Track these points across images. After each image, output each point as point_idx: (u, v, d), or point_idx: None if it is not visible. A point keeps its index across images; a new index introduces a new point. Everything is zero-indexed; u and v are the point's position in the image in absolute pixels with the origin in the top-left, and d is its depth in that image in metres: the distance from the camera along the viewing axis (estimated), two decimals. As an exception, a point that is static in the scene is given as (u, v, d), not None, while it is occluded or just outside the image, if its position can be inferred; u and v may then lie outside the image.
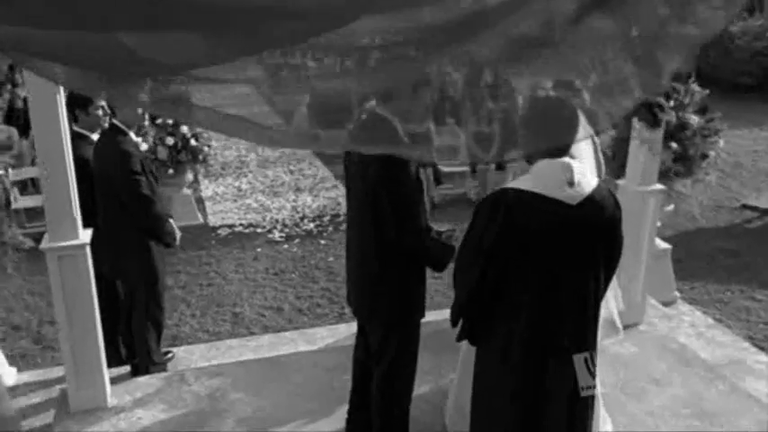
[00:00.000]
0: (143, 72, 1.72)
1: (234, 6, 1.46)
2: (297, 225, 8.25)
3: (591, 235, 2.61)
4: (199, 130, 8.13)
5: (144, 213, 4.33)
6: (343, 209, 8.07)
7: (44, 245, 3.82)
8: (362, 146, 3.23)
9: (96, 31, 1.47)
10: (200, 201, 9.00)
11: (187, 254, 7.33)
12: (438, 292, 5.98)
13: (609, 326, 3.97)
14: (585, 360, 2.67)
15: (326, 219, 8.32)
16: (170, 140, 7.81)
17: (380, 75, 2.19)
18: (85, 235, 3.90)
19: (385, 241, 3.22)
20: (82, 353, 3.99)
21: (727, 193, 9.08)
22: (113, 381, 4.36)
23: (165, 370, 4.66)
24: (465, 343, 2.99)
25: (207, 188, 9.63)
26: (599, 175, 3.96)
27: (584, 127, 3.75)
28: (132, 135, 4.44)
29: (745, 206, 8.59)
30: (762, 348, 5.22)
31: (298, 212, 8.67)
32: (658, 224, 5.69)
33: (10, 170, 7.98)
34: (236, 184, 9.90)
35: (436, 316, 4.20)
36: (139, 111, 4.41)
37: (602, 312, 3.87)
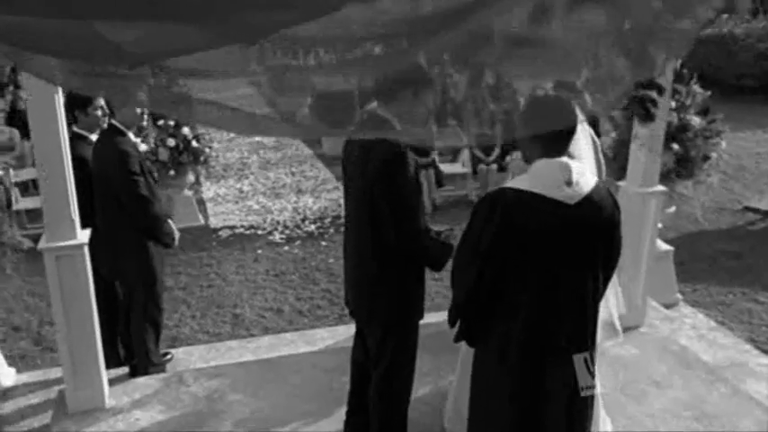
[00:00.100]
0: (119, 60, 1.71)
1: None
2: (298, 227, 8.25)
3: (589, 235, 2.59)
4: (200, 131, 8.15)
5: (142, 214, 4.32)
6: (344, 211, 8.09)
7: (42, 245, 3.81)
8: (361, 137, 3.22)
9: (72, 18, 1.46)
10: (201, 202, 9.01)
11: (188, 255, 7.33)
12: (438, 294, 5.96)
13: (609, 328, 3.95)
14: (585, 360, 2.66)
15: (327, 220, 8.32)
16: (171, 142, 7.83)
17: (376, 67, 2.18)
18: (83, 235, 3.89)
19: (383, 242, 3.20)
20: (80, 353, 3.98)
21: (729, 196, 9.05)
22: (112, 381, 4.35)
23: (163, 371, 4.65)
24: (464, 344, 2.97)
25: (208, 190, 9.64)
26: (600, 177, 3.95)
27: (581, 124, 3.75)
28: (131, 135, 4.44)
29: (747, 208, 8.57)
30: (764, 351, 5.19)
31: (299, 214, 8.67)
32: (660, 226, 5.67)
33: (11, 171, 8.01)
34: (238, 185, 9.91)
35: (436, 317, 4.18)
36: (138, 110, 4.40)
37: (602, 314, 3.86)
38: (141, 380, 4.43)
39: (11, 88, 9.66)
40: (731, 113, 7.76)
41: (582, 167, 2.69)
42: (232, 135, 12.55)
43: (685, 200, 6.16)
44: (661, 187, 4.88)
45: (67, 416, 4.04)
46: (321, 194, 9.38)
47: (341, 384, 4.01)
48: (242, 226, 8.30)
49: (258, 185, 9.92)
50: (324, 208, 8.82)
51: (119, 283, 4.66)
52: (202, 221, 8.41)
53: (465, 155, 9.40)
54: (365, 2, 1.46)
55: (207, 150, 8.17)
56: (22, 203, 7.77)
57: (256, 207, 8.99)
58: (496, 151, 9.04)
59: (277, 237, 7.95)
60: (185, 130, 7.89)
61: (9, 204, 7.77)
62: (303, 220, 8.44)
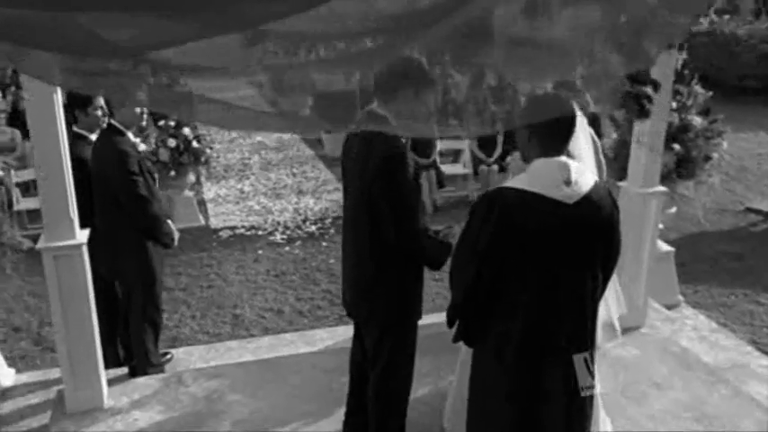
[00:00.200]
0: (102, 53, 1.70)
1: None
2: (299, 227, 8.24)
3: (588, 234, 2.58)
4: (201, 131, 8.15)
5: (141, 214, 4.32)
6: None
7: (40, 244, 3.80)
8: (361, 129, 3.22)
9: (67, 9, 1.46)
10: (201, 203, 9.01)
11: (188, 255, 7.33)
12: (439, 295, 5.95)
13: (609, 329, 3.94)
14: (585, 360, 2.64)
15: (328, 221, 8.31)
16: (172, 142, 7.82)
17: (372, 62, 2.18)
18: (82, 235, 3.89)
19: (381, 241, 3.19)
20: (78, 353, 3.97)
21: (731, 197, 9.03)
22: (111, 382, 4.34)
23: (162, 371, 4.64)
24: (464, 345, 2.96)
25: (209, 190, 9.64)
26: (600, 177, 3.94)
27: (581, 124, 3.74)
28: (130, 135, 4.43)
29: (749, 209, 8.55)
30: (765, 352, 5.17)
31: (300, 215, 8.67)
32: (661, 227, 5.65)
33: (13, 172, 8.01)
34: (239, 186, 9.90)
35: (437, 318, 4.16)
36: (138, 110, 4.40)
37: (602, 315, 3.85)
38: (140, 380, 4.42)
39: (12, 89, 9.66)
40: (733, 114, 7.76)
41: (581, 167, 2.68)
42: (233, 136, 12.56)
43: (687, 201, 6.15)
44: (662, 188, 4.86)
45: (66, 416, 4.04)
46: (322, 195, 9.37)
47: (340, 385, 4.00)
48: (243, 226, 8.30)
49: (259, 186, 9.91)
50: (325, 209, 8.81)
51: (118, 284, 4.65)
52: (203, 222, 8.40)
53: (466, 156, 9.40)
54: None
55: (208, 151, 8.17)
56: (24, 204, 7.77)
57: (257, 208, 8.99)
58: (497, 152, 9.03)
59: (278, 237, 7.94)
60: (186, 130, 7.89)
61: (10, 205, 7.78)
62: (304, 221, 8.43)
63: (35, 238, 4.51)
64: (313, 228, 8.20)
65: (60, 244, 3.78)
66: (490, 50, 2.02)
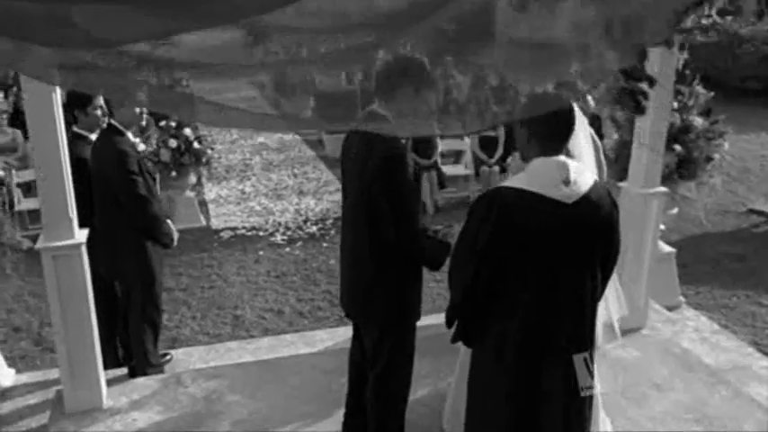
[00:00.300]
0: (83, 45, 1.70)
1: None
2: (300, 228, 8.24)
3: (587, 234, 2.56)
4: (202, 132, 8.15)
5: (141, 213, 4.31)
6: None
7: (39, 244, 3.80)
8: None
9: (49, 2, 1.45)
10: (203, 203, 9.01)
11: (189, 256, 7.33)
12: (440, 296, 5.94)
13: (609, 330, 3.93)
14: (585, 360, 2.63)
15: (329, 222, 8.30)
16: (173, 143, 7.83)
17: (360, 59, 2.18)
18: (81, 235, 3.88)
19: (381, 242, 3.18)
20: (77, 353, 3.97)
21: (734, 198, 9.01)
22: (110, 382, 4.34)
23: (162, 372, 4.63)
24: (463, 346, 2.95)
25: (210, 191, 9.64)
26: (601, 177, 3.92)
27: (581, 124, 3.73)
28: (130, 135, 4.43)
29: (751, 211, 8.52)
30: (767, 354, 5.15)
31: (301, 215, 8.66)
32: (662, 227, 5.64)
33: (14, 172, 8.02)
34: (240, 187, 9.91)
35: (437, 319, 4.15)
36: (137, 110, 4.39)
37: (602, 316, 3.84)
38: (139, 380, 4.42)
39: (14, 89, 9.67)
40: (735, 116, 7.73)
41: (580, 167, 2.67)
42: (235, 137, 12.57)
43: (688, 202, 6.13)
44: (663, 188, 4.84)
45: (65, 416, 4.03)
46: (323, 196, 9.37)
47: (340, 386, 3.99)
48: (243, 227, 8.29)
49: (260, 187, 9.91)
50: (326, 210, 8.80)
51: (117, 283, 4.64)
52: (204, 222, 8.40)
53: (467, 157, 9.39)
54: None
55: (209, 152, 8.17)
56: (25, 204, 7.77)
57: (258, 208, 8.99)
58: (499, 153, 9.03)
59: (279, 238, 7.94)
60: (187, 131, 7.90)
61: (12, 205, 7.79)
62: (305, 222, 8.43)
63: (36, 239, 4.51)
64: (314, 229, 8.19)
65: (59, 244, 3.78)
66: (491, 51, 2.02)
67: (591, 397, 2.70)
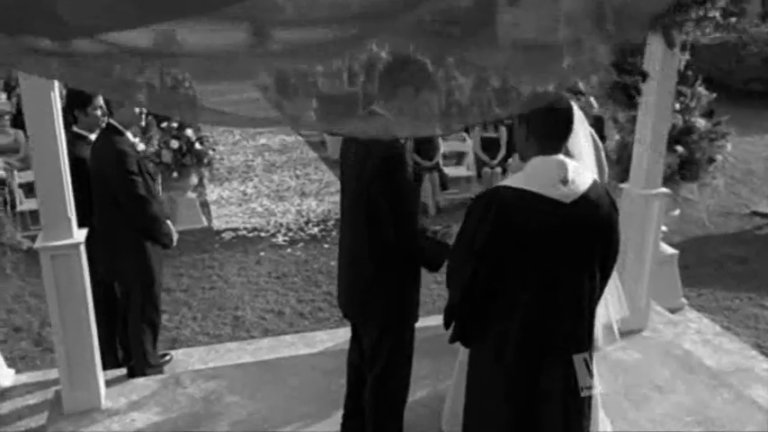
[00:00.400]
0: (59, 33, 1.69)
1: None
2: (301, 229, 8.23)
3: (586, 233, 2.54)
4: (204, 133, 8.15)
5: (140, 213, 4.30)
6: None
7: (38, 244, 3.79)
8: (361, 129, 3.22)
9: None
10: (204, 204, 9.00)
11: (190, 257, 7.33)
12: (441, 297, 5.92)
13: (609, 332, 3.91)
14: (585, 360, 2.61)
15: (331, 223, 8.29)
16: (174, 144, 7.82)
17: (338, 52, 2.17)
18: (80, 234, 3.87)
19: (379, 242, 3.17)
20: (76, 353, 3.96)
21: (737, 200, 8.98)
22: (109, 383, 4.33)
23: (161, 372, 4.62)
24: (462, 346, 2.93)
25: (212, 192, 9.64)
26: (601, 178, 3.91)
27: (581, 124, 3.71)
28: (129, 135, 4.42)
29: (755, 213, 8.49)
30: (769, 356, 5.13)
31: (302, 217, 8.66)
32: (665, 229, 5.61)
33: (16, 173, 8.03)
34: (242, 188, 9.90)
35: (436, 320, 4.14)
36: (137, 110, 4.39)
37: (603, 317, 3.82)
38: (138, 381, 4.40)
39: (18, 90, 9.69)
40: (739, 118, 7.70)
41: (578, 166, 2.65)
42: (237, 138, 12.57)
43: (690, 203, 6.10)
44: (664, 189, 4.82)
45: (63, 416, 4.02)
46: (325, 197, 9.36)
47: (339, 386, 3.97)
48: (245, 228, 8.29)
49: (262, 188, 9.91)
50: (327, 211, 8.79)
51: (117, 284, 4.63)
52: (205, 223, 8.40)
53: (470, 158, 9.38)
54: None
55: (210, 152, 8.17)
56: (26, 205, 7.77)
57: (260, 209, 8.98)
58: (501, 154, 9.01)
59: (280, 239, 7.93)
60: (189, 132, 7.90)
61: (14, 206, 7.80)
62: (306, 223, 8.42)
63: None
64: (315, 230, 8.18)
65: (58, 243, 3.77)
66: (494, 53, 2.01)
67: (590, 397, 2.68)
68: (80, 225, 3.93)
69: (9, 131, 8.87)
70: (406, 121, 3.22)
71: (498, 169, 8.79)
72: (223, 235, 8.08)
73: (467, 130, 9.72)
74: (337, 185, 9.63)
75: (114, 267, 4.44)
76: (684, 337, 5.20)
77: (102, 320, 4.35)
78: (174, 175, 8.01)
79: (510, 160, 8.10)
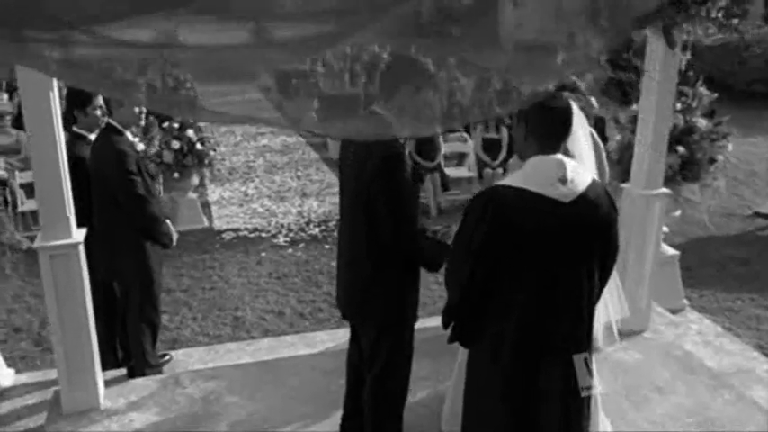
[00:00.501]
0: (48, 25, 1.69)
1: None
2: (302, 230, 8.23)
3: (584, 233, 2.53)
4: (205, 134, 8.16)
5: (140, 213, 4.29)
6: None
7: (37, 243, 3.79)
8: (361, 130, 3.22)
9: None
10: (205, 205, 9.00)
11: (191, 257, 7.32)
12: (442, 298, 5.88)
13: (609, 333, 3.90)
14: (585, 360, 2.60)
15: (332, 224, 8.28)
16: (176, 144, 7.83)
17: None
18: (79, 234, 3.86)
19: (378, 242, 3.16)
20: (74, 353, 3.95)
21: (739, 201, 8.96)
22: (108, 383, 4.33)
23: (160, 372, 4.61)
24: (462, 347, 2.92)
25: (213, 192, 9.64)
26: (602, 178, 3.90)
27: (581, 124, 3.70)
28: (129, 135, 4.42)
29: (757, 214, 8.46)
30: (771, 357, 5.10)
31: (303, 217, 8.65)
32: (666, 230, 5.60)
33: (17, 173, 8.04)
34: (243, 188, 9.90)
35: (436, 321, 4.13)
36: (136, 110, 4.38)
37: (603, 318, 3.81)
38: (137, 381, 4.40)
39: (19, 91, 9.70)
40: (742, 119, 7.69)
41: (577, 165, 2.64)
42: (239, 139, 12.58)
43: (692, 204, 6.08)
44: (665, 190, 4.80)
45: (62, 416, 4.02)
46: (326, 198, 9.35)
47: (338, 387, 3.96)
48: (246, 229, 8.28)
49: (263, 189, 9.90)
50: (328, 211, 8.78)
51: (116, 284, 4.63)
52: (206, 224, 8.39)
53: (471, 159, 9.37)
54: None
55: (211, 153, 8.17)
56: (27, 205, 7.78)
57: (261, 210, 8.98)
58: (502, 155, 8.99)
59: (281, 240, 7.92)
60: (190, 132, 7.90)
61: (15, 206, 7.81)
62: (307, 224, 8.42)
63: (37, 239, 4.51)
64: (316, 230, 8.18)
65: (56, 243, 3.76)
66: (497, 54, 2.01)
67: (590, 397, 2.67)
68: (79, 225, 3.93)
69: (11, 132, 8.88)
70: (406, 121, 3.21)
71: (499, 170, 8.78)
72: (224, 235, 8.08)
73: (468, 131, 9.72)
74: (338, 186, 9.64)
75: (113, 267, 4.43)
76: (685, 338, 5.19)
77: (101, 320, 4.35)
78: (176, 175, 8.02)
79: (511, 161, 8.10)
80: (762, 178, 10.02)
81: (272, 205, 9.15)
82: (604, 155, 4.25)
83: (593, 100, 7.76)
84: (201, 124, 8.06)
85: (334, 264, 6.95)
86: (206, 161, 8.11)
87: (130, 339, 4.52)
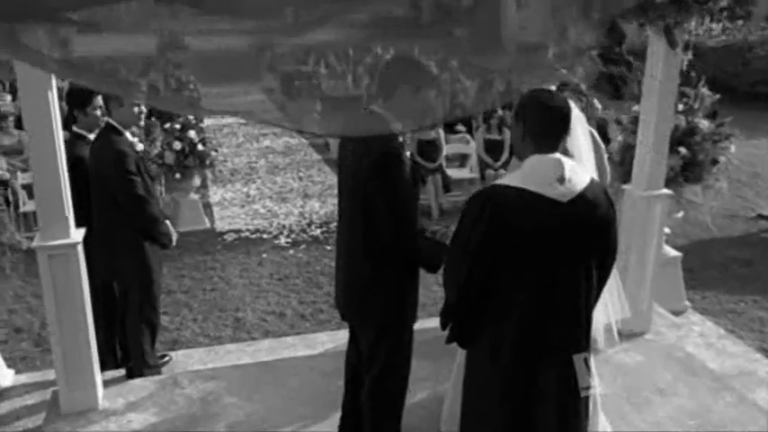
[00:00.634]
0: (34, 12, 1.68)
1: None
2: (303, 231, 8.22)
3: (583, 232, 2.51)
4: (208, 135, 8.16)
5: (139, 213, 4.28)
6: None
7: (35, 243, 3.79)
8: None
9: None
10: (207, 206, 9.00)
11: (192, 258, 7.32)
12: (442, 299, 5.87)
13: (610, 335, 3.88)
14: (585, 360, 2.59)
15: (333, 225, 8.26)
16: (177, 145, 7.82)
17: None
18: (77, 234, 3.86)
19: (376, 242, 3.15)
20: (73, 353, 3.94)
21: (742, 203, 8.93)
22: (107, 383, 4.32)
23: (159, 373, 4.59)
24: (459, 348, 2.91)
25: (215, 194, 9.64)
26: (603, 179, 3.88)
27: (580, 123, 3.68)
28: (128, 135, 4.41)
29: (760, 216, 8.44)
30: (774, 359, 5.07)
31: (305, 218, 8.64)
32: (668, 231, 5.57)
33: (19, 174, 8.05)
34: (245, 189, 9.90)
35: (435, 322, 4.11)
36: (136, 110, 4.38)
37: (603, 319, 3.79)
38: (136, 382, 4.39)
39: (19, 90, 9.72)
40: (745, 120, 7.66)
41: (575, 165, 2.62)
42: (241, 140, 12.58)
43: (694, 206, 6.05)
44: (666, 191, 4.77)
45: (60, 417, 4.01)
46: (327, 199, 9.34)
47: (337, 388, 3.94)
48: (248, 230, 8.28)
49: (265, 190, 9.90)
50: (330, 213, 8.77)
51: (116, 284, 4.62)
52: (208, 225, 8.39)
53: (473, 160, 9.36)
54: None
55: (213, 154, 8.17)
56: (29, 206, 7.77)
57: (263, 211, 8.97)
58: (504, 157, 8.98)
59: (282, 241, 7.91)
60: (191, 133, 7.90)
61: (17, 206, 7.82)
62: (309, 225, 8.41)
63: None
64: (318, 231, 8.17)
65: (55, 243, 3.76)
66: (499, 56, 2.00)
67: (588, 397, 2.65)
68: (79, 225, 3.92)
69: (13, 132, 8.89)
70: (406, 120, 3.21)
71: (501, 171, 8.75)
72: (225, 236, 8.08)
73: (470, 132, 9.70)
74: (340, 187, 9.64)
75: (113, 267, 4.42)
76: (687, 340, 5.15)
77: (101, 321, 4.35)
78: (177, 176, 8.01)
79: (511, 161, 8.09)
80: (765, 180, 9.99)
81: (274, 206, 9.15)
82: (605, 155, 4.23)
83: (596, 101, 7.76)
84: (203, 125, 8.06)
85: (334, 264, 7.00)
86: (207, 162, 8.11)
87: (129, 340, 4.51)
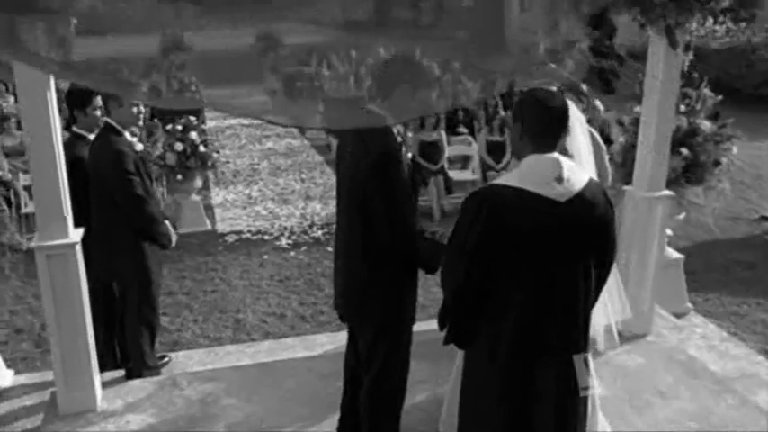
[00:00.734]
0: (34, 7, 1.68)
1: None
2: (305, 232, 8.21)
3: (581, 232, 2.50)
4: (209, 137, 8.16)
5: (138, 214, 4.28)
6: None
7: (33, 243, 3.78)
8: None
9: None
10: (209, 207, 9.00)
11: (193, 260, 7.32)
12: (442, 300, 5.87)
13: (610, 335, 3.86)
14: (585, 360, 2.57)
15: (335, 227, 8.26)
16: (179, 146, 7.82)
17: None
18: (76, 234, 3.85)
19: (375, 242, 3.14)
20: (71, 354, 3.93)
21: (745, 205, 8.89)
22: (106, 384, 4.31)
23: (158, 374, 4.58)
24: (458, 349, 2.89)
25: (217, 195, 9.64)
26: (603, 179, 3.86)
27: (580, 124, 3.67)
28: (127, 135, 4.41)
29: (763, 218, 8.40)
30: (776, 361, 5.04)
31: (306, 220, 8.64)
32: (670, 233, 5.54)
33: (21, 175, 8.06)
34: (247, 191, 9.90)
35: (434, 324, 4.10)
36: (135, 110, 4.37)
37: (604, 320, 3.77)
38: (135, 383, 4.38)
39: (17, 91, 9.73)
40: (749, 123, 7.63)
41: (573, 164, 2.60)
42: (243, 142, 12.59)
43: (697, 207, 6.03)
44: (668, 192, 4.75)
45: (59, 417, 4.00)
46: (329, 201, 9.33)
47: (336, 389, 3.93)
48: (249, 231, 8.27)
49: (267, 191, 9.90)
50: (331, 214, 8.76)
51: (115, 284, 4.61)
52: (209, 226, 8.39)
53: (475, 162, 9.34)
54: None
55: (214, 155, 8.17)
56: (31, 207, 7.77)
57: (264, 213, 8.97)
58: (506, 159, 8.96)
59: (284, 242, 7.91)
60: (193, 134, 7.90)
61: (18, 207, 7.83)
62: (310, 226, 8.40)
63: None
64: (319, 233, 8.16)
65: (53, 243, 3.75)
66: (502, 59, 1.99)
67: (587, 398, 2.63)
68: (78, 225, 3.92)
69: (15, 134, 8.90)
70: (405, 119, 3.21)
71: (504, 173, 8.75)
72: (227, 238, 8.07)
73: (472, 134, 9.68)
74: (342, 189, 9.63)
75: (112, 267, 4.42)
76: (689, 343, 5.12)
77: (101, 322, 4.34)
78: (179, 177, 8.01)
79: (511, 162, 8.06)
80: (768, 182, 9.96)
81: (276, 208, 9.14)
82: (606, 156, 4.21)
83: (599, 103, 7.73)
84: (205, 127, 8.05)
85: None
86: (209, 163, 8.10)
87: (128, 340, 4.51)
